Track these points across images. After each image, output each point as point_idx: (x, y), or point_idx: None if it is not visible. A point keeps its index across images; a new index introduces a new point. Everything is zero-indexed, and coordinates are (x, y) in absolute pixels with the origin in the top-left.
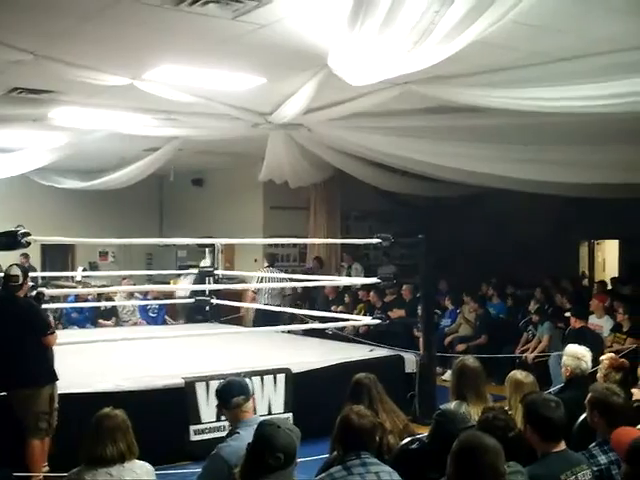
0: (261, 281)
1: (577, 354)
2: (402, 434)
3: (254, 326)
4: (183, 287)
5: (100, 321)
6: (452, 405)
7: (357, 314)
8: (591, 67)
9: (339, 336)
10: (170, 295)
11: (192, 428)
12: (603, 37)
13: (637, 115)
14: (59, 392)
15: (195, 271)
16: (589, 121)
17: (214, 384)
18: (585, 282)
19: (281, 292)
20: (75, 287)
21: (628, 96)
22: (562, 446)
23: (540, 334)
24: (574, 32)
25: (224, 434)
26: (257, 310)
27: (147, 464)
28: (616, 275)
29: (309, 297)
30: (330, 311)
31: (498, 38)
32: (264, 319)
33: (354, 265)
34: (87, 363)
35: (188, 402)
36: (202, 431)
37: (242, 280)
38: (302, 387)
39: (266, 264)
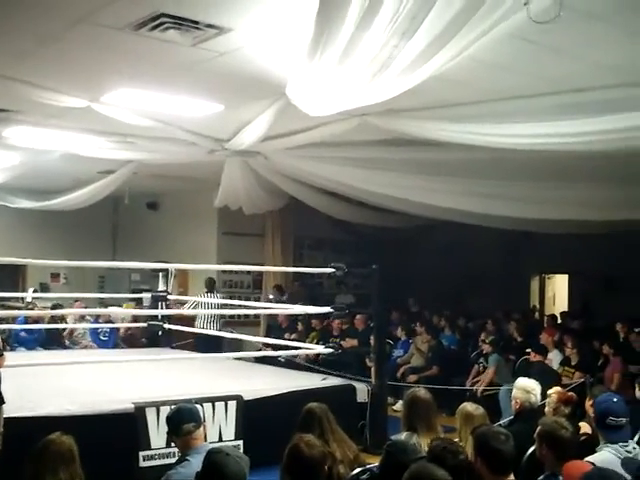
0: (196, 306)
1: (527, 387)
2: (352, 464)
3: (196, 351)
4: (134, 312)
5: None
6: (403, 436)
7: (310, 342)
8: (542, 106)
9: (292, 364)
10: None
11: (141, 454)
12: (554, 77)
13: (590, 154)
14: (4, 415)
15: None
16: (545, 158)
17: (165, 410)
18: (536, 316)
19: (220, 318)
20: (24, 308)
21: (578, 136)
22: (511, 478)
23: (489, 366)
24: (526, 71)
25: (174, 461)
26: (197, 336)
27: None
28: (566, 309)
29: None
30: (283, 339)
31: (455, 74)
32: (205, 344)
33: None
34: (35, 386)
35: (138, 428)
36: (151, 457)
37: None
38: (253, 414)
39: (205, 289)
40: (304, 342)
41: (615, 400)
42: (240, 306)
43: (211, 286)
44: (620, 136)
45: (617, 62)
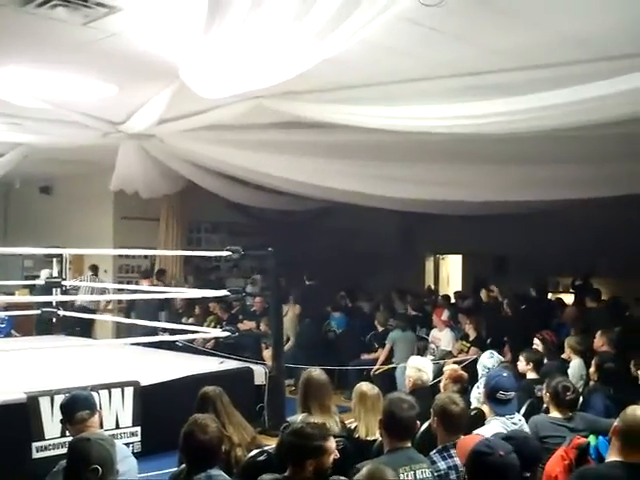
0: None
1: (418, 366)
2: (250, 447)
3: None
4: (30, 299)
5: None
6: (299, 417)
7: (207, 326)
8: (434, 89)
9: (190, 348)
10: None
11: (35, 445)
12: (445, 61)
13: (483, 137)
14: None
15: None
16: (438, 141)
17: (59, 398)
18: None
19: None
20: None
21: (471, 118)
22: (408, 444)
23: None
24: (417, 54)
25: None
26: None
27: None
28: (459, 289)
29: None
30: (180, 323)
31: (348, 57)
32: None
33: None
34: None
35: (31, 418)
36: (45, 448)
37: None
38: (151, 400)
39: (90, 273)
40: (201, 326)
41: (505, 375)
42: (136, 291)
43: (95, 270)
44: (513, 118)
45: (506, 46)
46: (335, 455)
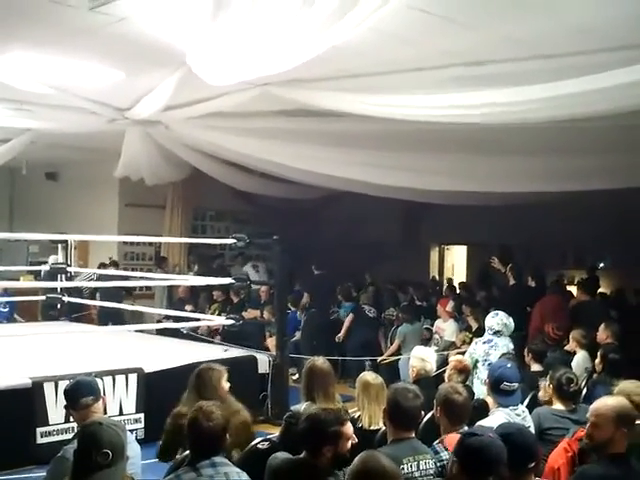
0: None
1: (422, 356)
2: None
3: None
4: (33, 284)
5: None
6: (302, 407)
7: (211, 314)
8: (441, 78)
9: (193, 336)
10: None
11: (39, 430)
12: (452, 50)
13: (488, 127)
14: None
15: None
16: (444, 130)
17: (64, 384)
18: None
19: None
20: None
21: (476, 108)
22: (412, 434)
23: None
24: (425, 43)
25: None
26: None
27: None
28: (464, 279)
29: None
30: (184, 310)
31: (356, 45)
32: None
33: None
34: None
35: (35, 403)
36: (49, 433)
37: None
38: (155, 387)
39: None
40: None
41: (509, 366)
42: (142, 278)
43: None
44: (519, 109)
45: (513, 35)
46: (353, 439)
